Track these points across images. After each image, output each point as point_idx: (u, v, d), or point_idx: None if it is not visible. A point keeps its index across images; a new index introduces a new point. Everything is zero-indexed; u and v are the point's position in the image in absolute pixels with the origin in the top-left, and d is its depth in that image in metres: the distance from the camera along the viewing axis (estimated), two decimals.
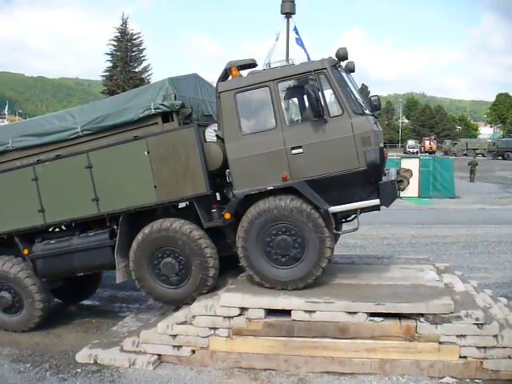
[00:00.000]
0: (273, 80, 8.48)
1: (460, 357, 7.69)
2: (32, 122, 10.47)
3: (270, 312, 8.23)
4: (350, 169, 8.21)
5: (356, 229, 8.60)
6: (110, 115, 9.21)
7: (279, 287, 8.50)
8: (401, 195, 13.98)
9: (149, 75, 68.24)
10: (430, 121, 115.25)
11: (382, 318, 7.88)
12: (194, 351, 8.46)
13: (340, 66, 8.58)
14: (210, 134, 8.97)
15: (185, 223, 8.83)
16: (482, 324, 7.62)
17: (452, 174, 34.88)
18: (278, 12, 24.88)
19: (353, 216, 9.21)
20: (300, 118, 9.07)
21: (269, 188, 8.47)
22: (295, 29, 25.21)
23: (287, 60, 9.19)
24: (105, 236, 9.50)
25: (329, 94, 8.39)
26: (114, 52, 67.31)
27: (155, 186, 8.87)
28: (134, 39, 68.06)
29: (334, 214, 8.43)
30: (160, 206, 9.15)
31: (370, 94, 9.13)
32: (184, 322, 8.50)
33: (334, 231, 8.61)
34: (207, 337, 8.37)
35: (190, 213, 9.14)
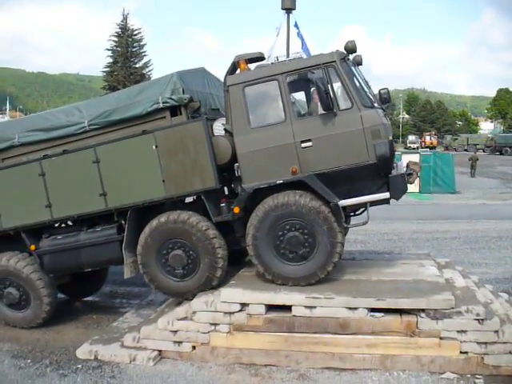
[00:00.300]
0: (282, 73, 8.45)
1: (461, 352, 7.69)
2: (38, 117, 10.39)
3: (271, 308, 8.22)
4: (360, 162, 8.19)
5: (366, 222, 8.59)
6: (117, 109, 9.17)
7: (290, 283, 8.47)
8: None
9: (149, 71, 68.20)
10: (431, 116, 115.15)
11: (382, 314, 7.87)
12: (194, 347, 8.46)
13: (348, 59, 8.55)
14: (218, 127, 8.90)
15: (202, 219, 8.78)
16: (482, 319, 7.61)
17: (453, 170, 34.84)
18: (279, 7, 24.83)
19: (361, 210, 9.22)
20: (309, 111, 8.99)
21: (278, 182, 8.45)
22: (296, 24, 25.18)
23: (288, 55, 9.14)
24: (112, 231, 9.45)
25: (337, 87, 8.37)
26: (115, 48, 67.21)
27: (163, 181, 8.83)
28: (135, 35, 67.97)
29: (344, 208, 8.39)
30: (168, 201, 9.08)
31: (372, 89, 9.08)
32: (185, 318, 8.48)
33: (344, 225, 8.59)
34: (208, 332, 8.36)
35: (197, 207, 9.09)
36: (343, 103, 8.30)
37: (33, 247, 9.80)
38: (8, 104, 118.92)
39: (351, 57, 8.68)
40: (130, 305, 11.58)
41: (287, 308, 8.11)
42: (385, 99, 8.57)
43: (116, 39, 67.14)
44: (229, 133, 8.73)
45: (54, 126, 9.54)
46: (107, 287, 12.74)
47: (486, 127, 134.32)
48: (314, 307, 7.99)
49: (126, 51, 66.45)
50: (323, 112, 8.26)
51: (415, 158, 32.94)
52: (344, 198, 8.32)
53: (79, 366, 8.41)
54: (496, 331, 7.60)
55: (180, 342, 8.48)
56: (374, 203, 8.58)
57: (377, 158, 8.12)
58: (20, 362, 8.67)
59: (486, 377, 7.57)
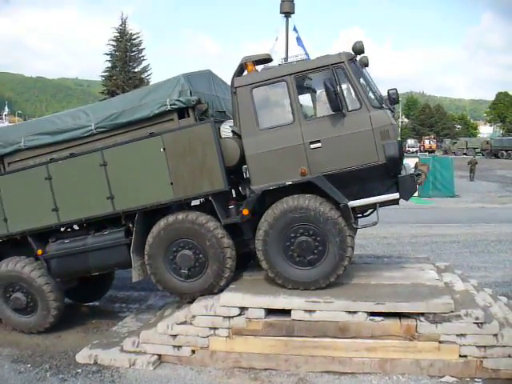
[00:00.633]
0: (290, 74, 8.45)
1: (460, 356, 7.70)
2: (44, 121, 10.36)
3: (270, 312, 8.23)
4: (369, 163, 8.20)
5: (376, 223, 8.60)
6: (124, 112, 9.15)
7: (290, 285, 8.49)
8: None
9: (148, 75, 68.19)
10: (430, 120, 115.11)
11: (382, 318, 7.88)
12: (194, 351, 8.46)
13: (356, 60, 8.56)
14: (226, 130, 8.88)
15: (210, 219, 8.78)
16: (481, 323, 7.62)
17: (452, 173, 34.89)
18: (278, 11, 24.85)
19: (369, 211, 9.24)
20: (318, 112, 8.96)
21: (287, 183, 8.46)
22: (294, 28, 25.18)
23: (287, 59, 9.15)
24: (120, 234, 9.43)
25: (346, 88, 8.39)
26: (114, 52, 67.15)
27: (171, 183, 8.81)
28: (134, 39, 67.92)
29: (353, 209, 8.40)
30: (176, 204, 9.04)
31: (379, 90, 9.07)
32: (184, 322, 8.49)
33: (353, 226, 8.61)
34: (207, 337, 8.37)
35: (205, 210, 9.06)
36: (352, 104, 8.31)
37: (40, 252, 9.76)
38: (6, 109, 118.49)
39: (358, 58, 8.68)
40: (129, 309, 11.59)
41: (287, 312, 8.11)
42: (393, 99, 8.53)
43: (115, 44, 67.11)
44: (237, 135, 8.73)
45: (60, 129, 9.52)
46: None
47: (485, 131, 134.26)
48: (314, 311, 8.00)
49: (125, 55, 66.41)
50: (332, 113, 8.26)
51: (414, 161, 32.97)
52: (353, 199, 8.34)
53: (79, 370, 8.41)
54: (495, 335, 7.61)
55: (179, 347, 8.48)
56: (383, 204, 8.58)
57: (386, 158, 8.13)
58: (20, 366, 8.67)
59: (485, 380, 7.59)
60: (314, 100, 9.30)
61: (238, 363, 8.27)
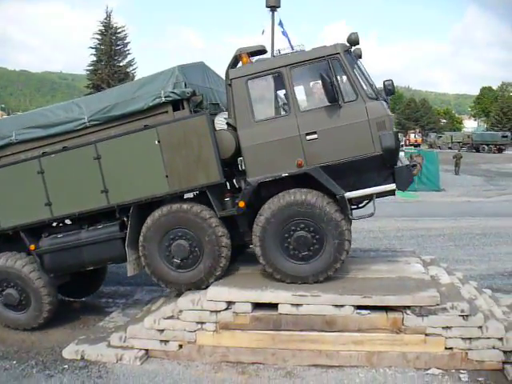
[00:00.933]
0: (285, 66, 8.44)
1: (446, 348, 7.76)
2: (36, 114, 10.19)
3: (257, 306, 8.24)
4: (366, 154, 8.22)
5: (373, 214, 8.60)
6: (118, 105, 9.06)
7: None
8: None
9: (133, 69, 67.77)
10: (415, 114, 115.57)
11: (368, 311, 7.92)
12: (181, 346, 8.46)
13: (351, 51, 8.56)
14: (220, 122, 8.86)
15: (222, 225, 8.75)
16: (467, 315, 7.69)
17: (437, 167, 35.04)
18: (263, 6, 24.81)
19: (365, 202, 9.28)
20: (313, 103, 8.89)
21: (284, 175, 8.45)
22: (280, 23, 25.17)
23: (272, 53, 9.13)
24: (115, 228, 9.35)
25: (341, 80, 8.38)
26: (98, 46, 66.64)
27: (167, 176, 8.75)
28: (119, 33, 67.44)
29: (349, 200, 8.42)
30: (171, 196, 8.96)
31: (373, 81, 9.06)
32: (171, 317, 8.48)
33: (350, 217, 8.62)
34: (194, 331, 8.37)
35: (200, 202, 8.99)
36: (347, 95, 8.33)
37: (32, 247, 9.67)
38: None
39: (352, 49, 8.68)
40: (116, 304, 11.55)
41: (274, 306, 8.13)
42: (389, 91, 8.53)
43: (99, 37, 66.59)
44: (232, 127, 8.70)
45: (52, 122, 9.41)
46: None
47: (470, 125, 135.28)
48: (301, 305, 8.02)
49: (110, 49, 65.91)
50: (328, 104, 8.27)
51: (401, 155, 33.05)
52: (350, 190, 8.35)
53: (65, 366, 8.39)
54: (480, 327, 7.68)
55: (167, 341, 8.48)
56: (379, 195, 8.61)
57: (382, 149, 8.16)
58: (5, 363, 8.62)
59: (470, 372, 7.65)
60: (307, 92, 9.25)
61: (225, 357, 8.28)
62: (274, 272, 8.53)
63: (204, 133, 8.56)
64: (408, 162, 8.99)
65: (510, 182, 41.05)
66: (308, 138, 8.33)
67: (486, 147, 75.39)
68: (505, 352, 7.63)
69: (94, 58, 66.91)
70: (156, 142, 8.72)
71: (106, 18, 66.68)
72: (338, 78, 8.30)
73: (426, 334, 7.76)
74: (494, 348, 7.65)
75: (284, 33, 25.18)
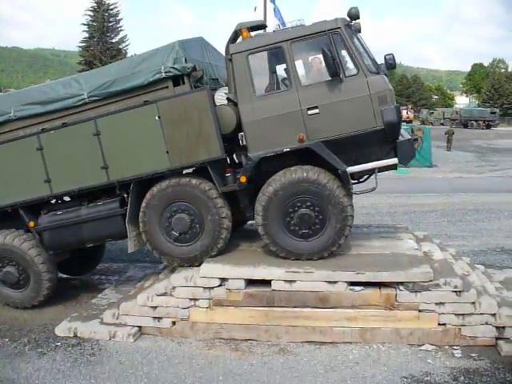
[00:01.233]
0: (286, 40, 8.35)
1: (439, 324, 7.78)
2: (35, 90, 10.01)
3: (251, 282, 8.23)
4: (367, 128, 8.16)
5: (375, 188, 8.54)
6: (117, 80, 8.92)
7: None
8: None
9: (126, 45, 67.51)
10: (407, 90, 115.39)
11: (362, 287, 7.92)
12: (174, 323, 8.45)
13: (352, 26, 8.47)
14: (220, 97, 8.76)
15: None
16: (460, 291, 7.70)
17: (429, 143, 35.03)
18: None
19: (365, 177, 9.24)
20: (315, 78, 8.79)
21: (285, 150, 8.38)
22: None
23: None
24: (115, 205, 9.28)
25: (342, 54, 8.31)
26: (91, 22, 66.16)
27: (167, 152, 8.66)
28: (111, 9, 66.96)
29: (351, 174, 8.39)
30: (172, 172, 8.85)
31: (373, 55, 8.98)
32: (164, 294, 8.46)
33: (352, 191, 8.59)
34: (187, 308, 8.36)
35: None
36: (349, 69, 8.27)
37: (32, 224, 9.56)
38: None
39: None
40: (108, 281, 11.51)
41: (267, 282, 8.11)
42: (390, 65, 8.44)
43: (92, 14, 66.08)
44: (232, 102, 8.62)
45: (51, 98, 9.25)
46: None
47: (462, 101, 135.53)
48: (294, 281, 8.01)
49: (102, 26, 65.46)
50: (330, 78, 8.19)
51: None
52: (352, 165, 8.32)
53: (58, 343, 8.37)
54: (473, 303, 7.69)
55: (160, 318, 8.46)
56: (381, 169, 8.57)
57: (384, 123, 8.10)
58: None
59: (463, 347, 7.69)
60: (308, 66, 9.15)
61: (218, 334, 8.28)
62: (271, 244, 8.50)
63: (205, 108, 8.46)
64: (409, 136, 8.94)
65: (502, 157, 41.27)
66: (309, 112, 8.26)
67: (475, 123, 75.90)
68: (498, 328, 7.66)
69: (87, 35, 66.52)
70: (156, 118, 8.62)
71: None
72: (339, 52, 8.23)
73: (420, 310, 7.77)
74: (487, 324, 7.67)
75: (276, 9, 24.92)
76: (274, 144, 8.41)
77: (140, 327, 8.55)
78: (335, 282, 7.93)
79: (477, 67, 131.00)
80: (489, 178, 29.31)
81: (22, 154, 9.30)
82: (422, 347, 7.70)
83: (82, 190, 9.26)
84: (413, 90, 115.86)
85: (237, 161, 9.23)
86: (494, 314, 7.65)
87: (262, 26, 9.09)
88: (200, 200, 8.68)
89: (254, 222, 8.91)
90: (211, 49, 10.13)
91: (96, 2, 66.11)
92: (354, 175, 8.61)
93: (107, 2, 66.78)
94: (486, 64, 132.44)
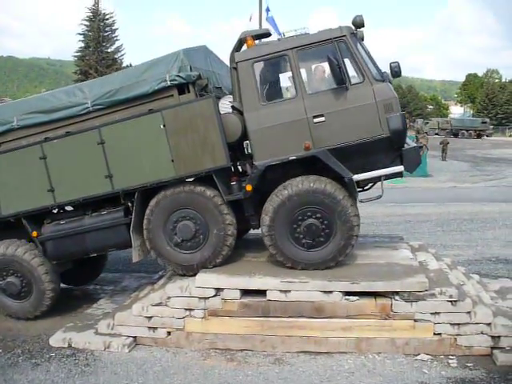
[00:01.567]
0: (291, 48, 8.36)
1: (434, 334, 7.76)
2: (38, 99, 9.98)
3: (246, 292, 8.21)
4: (373, 136, 8.17)
5: (380, 196, 8.58)
6: (122, 89, 8.91)
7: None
8: None
9: (121, 55, 67.48)
10: (402, 100, 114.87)
11: (357, 297, 7.91)
12: (169, 333, 8.42)
13: (356, 34, 8.51)
14: (225, 106, 8.77)
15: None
16: (455, 301, 7.69)
17: (424, 153, 35.10)
18: None
19: (369, 185, 9.24)
20: (320, 86, 8.82)
21: (291, 158, 8.38)
22: (267, 9, 25.08)
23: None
24: (119, 214, 9.22)
25: (348, 62, 8.33)
26: (87, 32, 66.13)
27: (173, 160, 8.63)
28: (107, 19, 66.89)
29: (357, 182, 8.39)
30: (178, 181, 8.79)
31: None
32: (159, 304, 8.43)
33: (358, 199, 8.60)
34: (183, 318, 8.32)
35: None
36: (354, 77, 8.29)
37: (35, 234, 9.49)
38: None
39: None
40: (103, 291, 11.46)
41: (262, 292, 8.09)
42: (396, 72, 8.39)
43: (87, 23, 66.06)
44: (237, 110, 8.62)
45: (54, 107, 9.22)
46: None
47: (457, 111, 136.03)
48: (289, 291, 7.99)
49: (98, 36, 65.41)
50: (335, 87, 8.23)
51: None
52: (358, 173, 8.32)
53: (52, 354, 8.32)
54: (468, 312, 7.68)
55: (155, 328, 8.43)
56: (387, 177, 8.59)
57: (390, 131, 8.12)
58: None
59: (458, 357, 7.67)
60: (313, 74, 9.17)
61: (213, 344, 8.25)
62: (271, 246, 8.47)
63: (210, 116, 8.46)
64: (415, 144, 8.97)
65: (496, 167, 41.39)
66: (315, 120, 8.27)
67: (466, 132, 76.55)
68: (493, 337, 7.64)
69: (82, 44, 66.42)
70: (161, 126, 8.60)
71: (94, 5, 66.12)
72: (345, 60, 8.26)
73: (415, 320, 7.76)
74: (482, 333, 7.66)
75: (270, 19, 25.04)
76: (279, 152, 8.40)
77: (135, 337, 8.51)
78: (330, 292, 7.91)
79: (471, 77, 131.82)
80: (483, 187, 29.36)
81: (25, 164, 9.23)
82: (418, 357, 7.68)
83: (85, 200, 9.21)
84: (407, 99, 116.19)
85: (240, 169, 9.23)
86: (489, 324, 7.63)
87: (267, 35, 9.13)
88: (211, 213, 8.66)
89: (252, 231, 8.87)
90: (214, 57, 10.16)
91: (92, 12, 66.13)
92: (359, 183, 8.61)
93: (103, 11, 66.89)
94: (480, 74, 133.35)
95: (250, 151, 8.59)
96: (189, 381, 7.36)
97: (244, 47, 8.80)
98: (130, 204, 9.15)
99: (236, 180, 8.83)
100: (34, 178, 9.23)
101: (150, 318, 8.42)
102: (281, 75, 8.97)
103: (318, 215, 8.32)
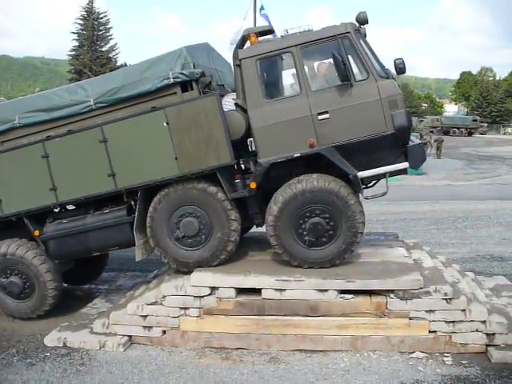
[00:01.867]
0: (295, 45, 8.34)
1: (429, 332, 7.78)
2: (40, 97, 9.91)
3: (241, 291, 8.21)
4: (378, 133, 8.16)
5: (385, 193, 8.60)
6: (124, 86, 8.85)
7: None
8: None
9: (116, 54, 67.23)
10: None
11: (352, 295, 7.91)
12: (164, 332, 8.41)
13: (360, 31, 8.49)
14: (228, 103, 8.75)
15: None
16: (450, 299, 7.70)
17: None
18: None
19: (373, 182, 9.23)
20: (324, 83, 8.77)
21: (296, 155, 8.35)
22: (262, 7, 25.03)
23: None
24: (122, 213, 9.17)
25: (352, 59, 8.32)
26: (81, 31, 65.88)
27: (176, 158, 8.58)
28: (101, 18, 66.62)
29: (361, 179, 8.38)
30: (181, 179, 8.73)
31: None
32: (154, 303, 8.42)
33: (363, 196, 8.60)
34: (178, 317, 8.32)
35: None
36: (359, 74, 8.28)
37: (37, 233, 9.44)
38: None
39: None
40: (98, 290, 11.45)
41: (257, 291, 8.09)
42: (400, 69, 8.40)
43: (82, 22, 65.80)
44: (241, 108, 8.59)
45: (56, 105, 9.17)
46: None
47: (451, 109, 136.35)
48: (284, 290, 7.99)
49: (92, 34, 65.15)
50: (339, 83, 8.20)
51: None
52: (362, 170, 8.31)
53: (47, 354, 8.30)
54: (463, 310, 7.69)
55: (150, 327, 8.42)
56: (392, 173, 8.56)
57: (395, 128, 8.11)
58: None
59: (453, 355, 7.69)
60: (317, 71, 9.13)
61: (209, 343, 8.25)
62: (273, 237, 8.42)
63: (214, 114, 8.41)
64: (419, 141, 8.97)
65: (490, 165, 41.40)
66: (320, 117, 8.25)
67: (457, 130, 76.88)
68: (488, 335, 7.67)
69: (76, 43, 66.10)
70: (164, 124, 8.55)
71: (88, 3, 65.86)
72: (349, 57, 8.25)
73: (410, 318, 7.77)
74: (477, 331, 7.68)
75: (264, 16, 24.97)
76: (284, 149, 8.38)
77: (130, 336, 8.50)
78: (326, 291, 7.92)
79: (465, 75, 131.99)
80: (477, 185, 29.40)
81: (27, 162, 9.18)
82: (413, 355, 7.70)
83: (88, 198, 9.17)
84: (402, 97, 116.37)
85: (243, 167, 9.22)
86: (484, 321, 7.66)
87: (270, 32, 9.13)
88: (218, 216, 8.65)
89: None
90: (216, 55, 10.14)
91: (86, 11, 65.88)
92: (363, 180, 8.58)
93: (97, 10, 66.69)
94: (474, 72, 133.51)
95: (253, 149, 8.56)
96: (184, 380, 7.36)
97: (247, 44, 8.79)
98: (132, 202, 9.12)
99: (240, 177, 8.80)
100: (35, 177, 9.18)
101: (145, 317, 8.41)
102: (284, 72, 8.95)
103: (326, 215, 8.30)
